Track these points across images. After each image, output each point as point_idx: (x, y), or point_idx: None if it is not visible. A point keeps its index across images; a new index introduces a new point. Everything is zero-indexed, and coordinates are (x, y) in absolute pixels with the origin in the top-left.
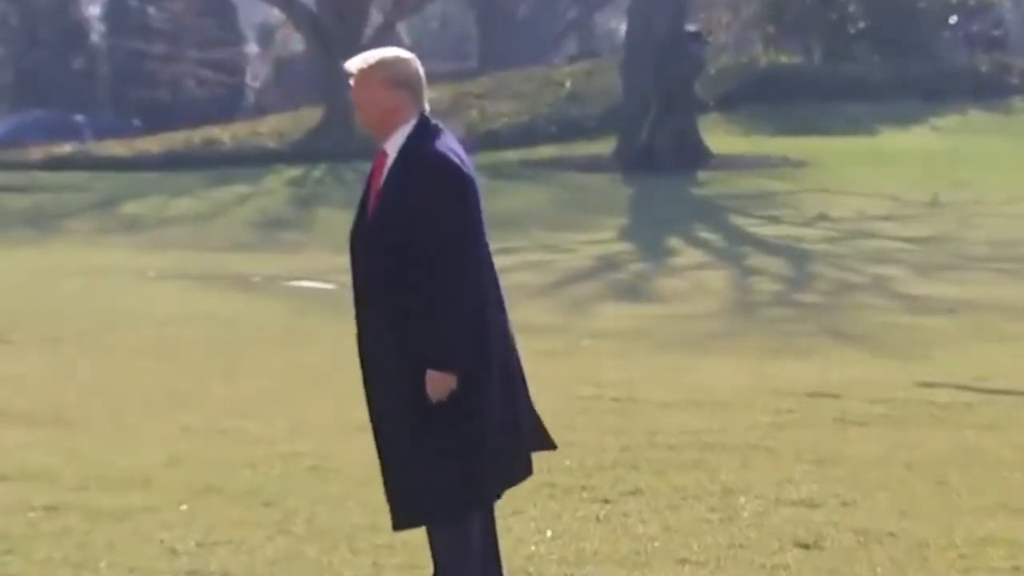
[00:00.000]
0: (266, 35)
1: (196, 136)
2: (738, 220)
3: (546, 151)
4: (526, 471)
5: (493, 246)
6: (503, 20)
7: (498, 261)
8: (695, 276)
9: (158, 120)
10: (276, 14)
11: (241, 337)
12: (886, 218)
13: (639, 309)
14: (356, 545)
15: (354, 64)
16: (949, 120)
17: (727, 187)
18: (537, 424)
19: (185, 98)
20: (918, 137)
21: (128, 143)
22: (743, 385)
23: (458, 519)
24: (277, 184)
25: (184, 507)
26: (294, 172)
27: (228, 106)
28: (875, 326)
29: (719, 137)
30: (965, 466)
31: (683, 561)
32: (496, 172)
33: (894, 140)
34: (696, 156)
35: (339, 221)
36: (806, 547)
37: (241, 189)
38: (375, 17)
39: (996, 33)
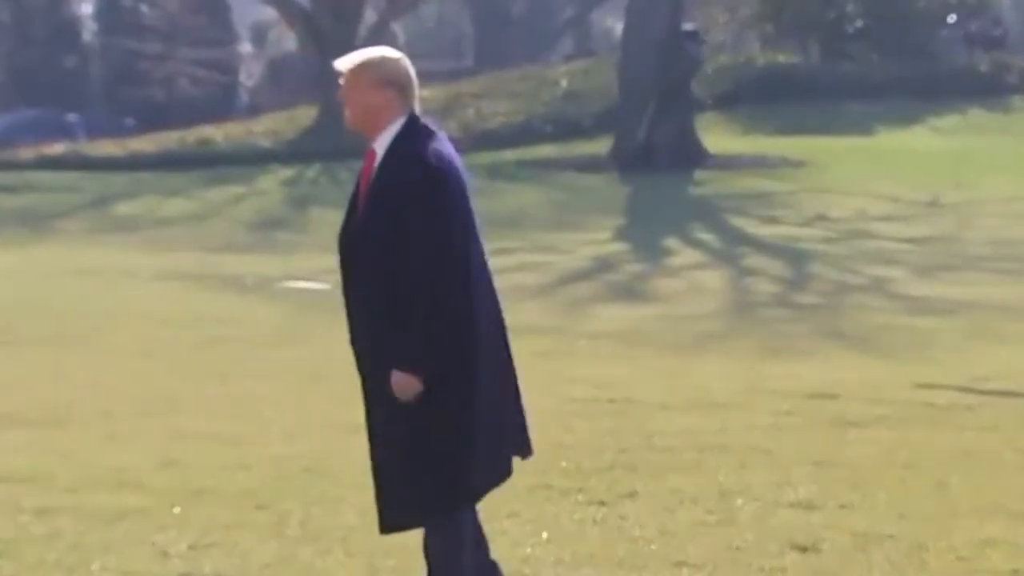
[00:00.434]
0: (260, 34)
1: (190, 136)
2: (736, 220)
3: (542, 151)
4: (507, 472)
5: (489, 246)
6: (499, 19)
7: (494, 262)
8: (692, 276)
9: (152, 119)
10: (270, 13)
11: (235, 338)
12: (885, 218)
13: (636, 310)
14: (351, 547)
15: (343, 64)
16: (948, 120)
17: (725, 187)
18: (522, 427)
19: (179, 97)
20: (917, 137)
21: (121, 143)
22: (741, 386)
23: (444, 520)
24: (271, 184)
25: (177, 509)
26: (288, 172)
27: (222, 105)
28: (874, 327)
29: (717, 137)
30: (964, 468)
31: (680, 564)
32: (492, 172)
33: (893, 140)
34: (694, 156)
35: (333, 221)
36: (804, 550)
37: (235, 189)
38: (369, 16)
39: (995, 32)
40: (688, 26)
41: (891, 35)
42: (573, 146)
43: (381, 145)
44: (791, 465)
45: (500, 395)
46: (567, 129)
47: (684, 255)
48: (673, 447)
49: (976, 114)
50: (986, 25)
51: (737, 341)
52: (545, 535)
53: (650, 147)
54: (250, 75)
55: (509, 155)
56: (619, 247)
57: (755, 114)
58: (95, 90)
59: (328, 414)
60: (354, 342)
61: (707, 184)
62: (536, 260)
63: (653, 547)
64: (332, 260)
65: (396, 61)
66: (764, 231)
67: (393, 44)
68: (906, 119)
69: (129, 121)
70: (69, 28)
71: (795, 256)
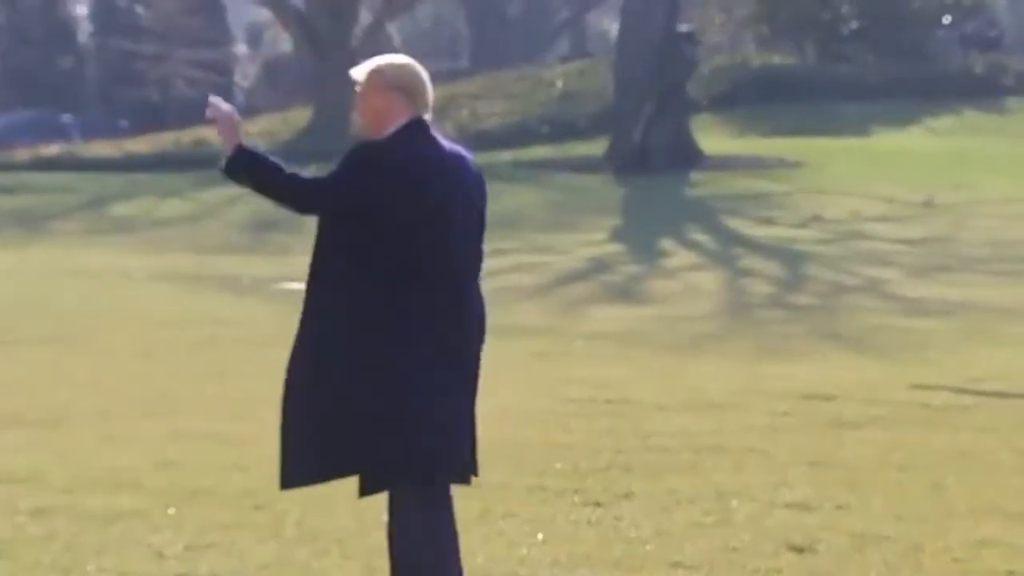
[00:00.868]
0: (255, 35)
1: (185, 136)
2: (731, 221)
3: (538, 152)
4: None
5: (486, 247)
6: (495, 20)
7: (490, 263)
8: (688, 278)
9: (147, 120)
10: (266, 14)
11: (232, 339)
12: (880, 219)
13: (632, 311)
14: (347, 549)
15: (356, 72)
16: (944, 121)
17: (720, 188)
18: (472, 446)
19: (174, 98)
20: (913, 138)
21: (117, 144)
22: (737, 387)
23: (395, 484)
24: None
25: (173, 510)
26: None
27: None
28: (870, 328)
29: (712, 138)
30: (960, 469)
31: (676, 565)
32: (488, 173)
33: (888, 141)
34: (689, 157)
35: None
36: (800, 551)
37: (231, 190)
38: (365, 17)
39: (991, 33)
40: (684, 27)
41: (887, 36)
42: (569, 147)
43: None
44: (787, 466)
45: (453, 394)
46: (563, 130)
47: (680, 256)
48: (669, 448)
49: (972, 115)
50: (982, 26)
51: (733, 342)
52: (541, 536)
53: (646, 148)
54: (245, 76)
55: (505, 156)
56: (615, 248)
57: (751, 115)
58: (91, 91)
59: None
60: None
61: (703, 185)
62: (532, 261)
63: (649, 548)
64: None
65: (403, 66)
66: (760, 232)
67: (388, 45)
68: (902, 120)
69: (124, 122)
70: (65, 29)
71: (791, 257)
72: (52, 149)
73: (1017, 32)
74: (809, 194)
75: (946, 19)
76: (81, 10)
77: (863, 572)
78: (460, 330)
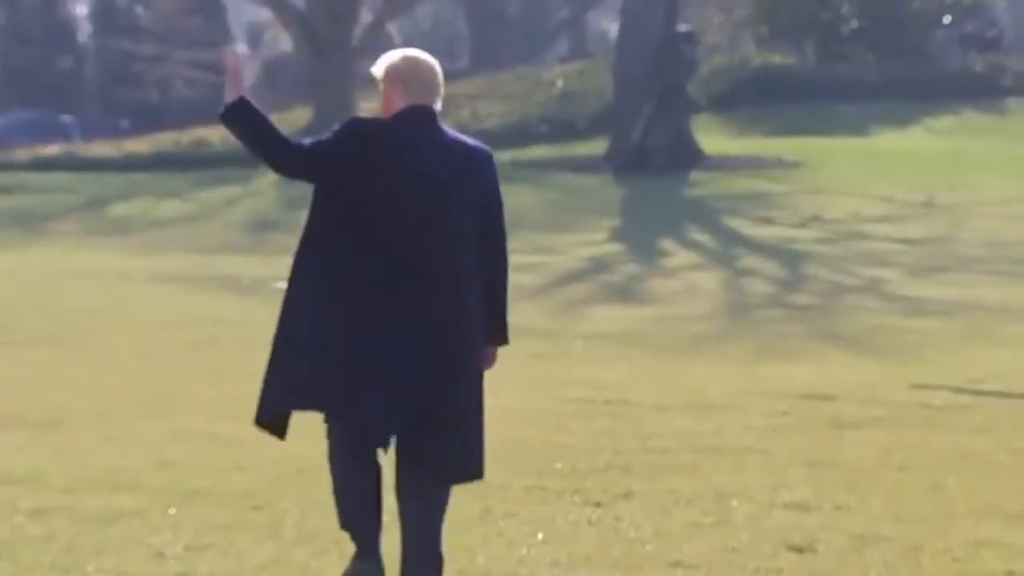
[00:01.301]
0: (255, 35)
1: (185, 137)
2: (731, 221)
3: (538, 152)
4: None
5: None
6: (494, 20)
7: None
8: (688, 278)
9: (147, 121)
10: (265, 14)
11: (231, 339)
12: (880, 219)
13: (632, 311)
14: (346, 549)
15: (374, 68)
16: (943, 121)
17: (720, 188)
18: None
19: (174, 99)
20: (912, 138)
21: (116, 144)
22: (736, 388)
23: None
24: (266, 185)
25: (173, 510)
26: None
27: (217, 107)
28: (869, 328)
29: (712, 138)
30: (960, 469)
31: (676, 565)
32: None
33: (888, 141)
34: (689, 157)
35: None
36: (799, 551)
37: (230, 190)
38: (365, 17)
39: (990, 33)
40: (683, 27)
41: (886, 36)
42: (568, 147)
43: None
44: (787, 466)
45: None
46: (562, 130)
47: (679, 256)
48: (669, 448)
49: (971, 115)
50: (981, 26)
51: (732, 342)
52: (541, 536)
53: (645, 148)
54: (245, 76)
55: (504, 156)
56: (614, 248)
57: (750, 115)
58: (90, 91)
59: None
60: None
61: (702, 185)
62: (531, 261)
63: (649, 548)
64: None
65: (403, 59)
66: (759, 232)
67: (388, 45)
68: (901, 120)
69: (124, 122)
70: (64, 29)
71: (790, 257)
72: (51, 149)
73: (1017, 32)
74: (808, 194)
75: (946, 19)
76: (81, 10)
77: (863, 572)
78: (403, 301)
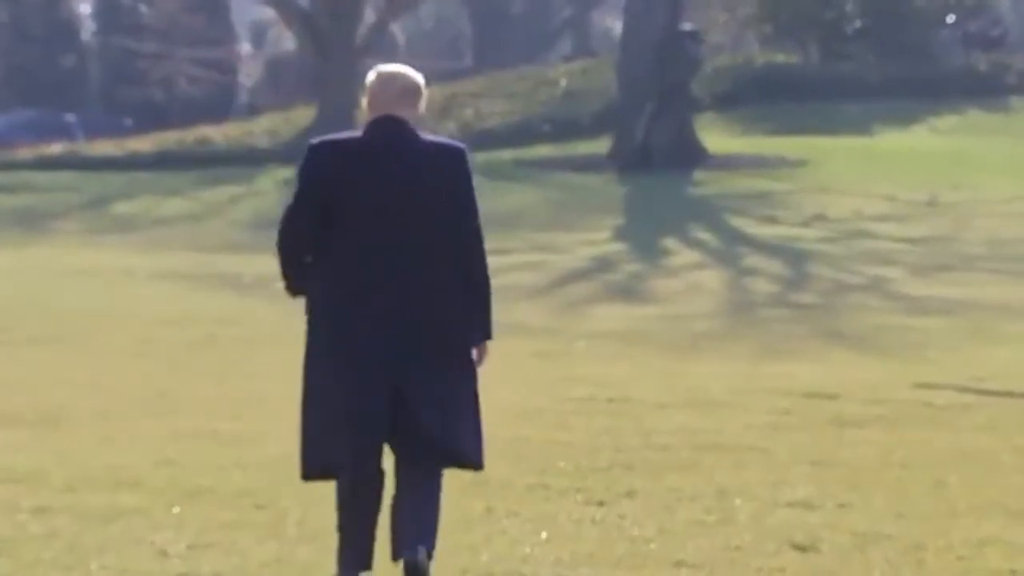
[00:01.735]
0: (259, 34)
1: (188, 135)
2: (734, 220)
3: (541, 151)
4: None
5: (487, 245)
6: (497, 19)
7: (492, 261)
8: (691, 276)
9: (150, 119)
10: (269, 13)
11: (233, 337)
12: (883, 218)
13: (634, 310)
14: None
15: None
16: (947, 120)
17: (723, 187)
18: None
19: (177, 97)
20: (916, 137)
21: (119, 143)
22: (739, 386)
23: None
24: (269, 184)
25: (175, 509)
26: (287, 172)
27: (220, 105)
28: (872, 327)
29: (715, 137)
30: (962, 467)
31: (679, 563)
32: (490, 172)
33: (891, 140)
34: (692, 156)
35: None
36: (802, 549)
37: (233, 189)
38: (368, 16)
39: (994, 32)
40: (687, 26)
41: (890, 35)
42: (571, 146)
43: None
44: (789, 465)
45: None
46: (565, 129)
47: (682, 255)
48: (671, 446)
49: (975, 114)
50: (985, 25)
51: (735, 341)
52: (544, 535)
53: (649, 147)
54: (249, 75)
55: (507, 155)
56: (617, 247)
57: (754, 114)
58: (93, 90)
59: None
60: None
61: (705, 184)
62: (534, 260)
63: (652, 546)
64: None
65: (374, 76)
66: (762, 231)
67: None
68: (905, 119)
69: (128, 121)
70: (67, 27)
71: (793, 256)
72: (54, 148)
73: (1020, 31)
74: (812, 193)
75: (949, 18)
76: (84, 8)
77: (866, 570)
78: (375, 304)
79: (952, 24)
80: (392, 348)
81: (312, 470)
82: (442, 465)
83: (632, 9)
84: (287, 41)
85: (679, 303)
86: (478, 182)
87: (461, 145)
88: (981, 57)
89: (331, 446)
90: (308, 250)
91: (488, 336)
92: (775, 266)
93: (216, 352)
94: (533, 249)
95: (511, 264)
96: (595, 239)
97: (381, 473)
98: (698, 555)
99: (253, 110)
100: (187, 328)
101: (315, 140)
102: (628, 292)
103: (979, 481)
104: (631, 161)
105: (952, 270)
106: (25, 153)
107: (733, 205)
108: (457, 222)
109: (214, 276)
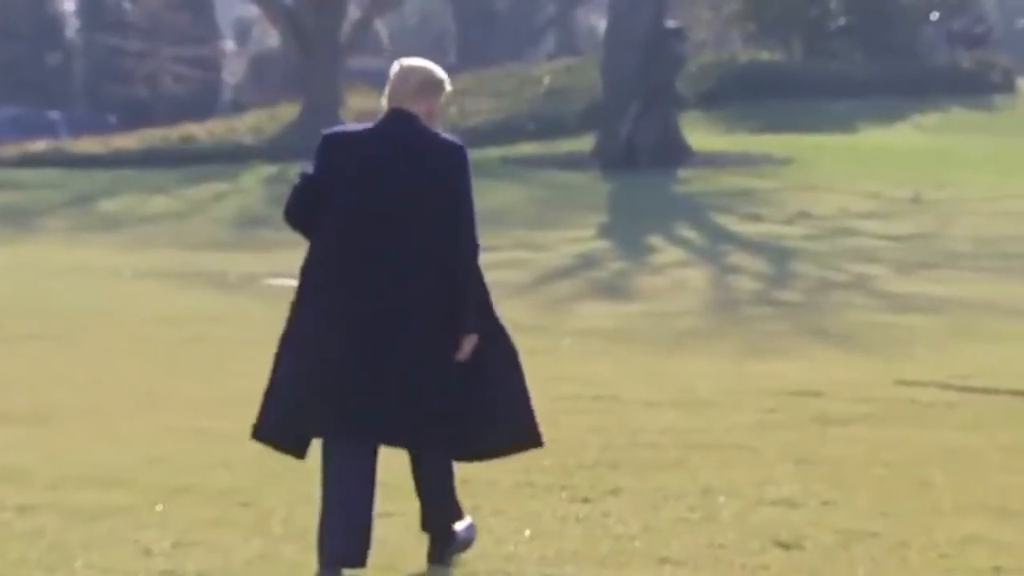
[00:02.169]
0: (243, 31)
1: (173, 133)
2: (719, 218)
3: (526, 148)
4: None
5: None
6: (482, 17)
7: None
8: (676, 274)
9: (135, 117)
10: (253, 10)
11: (219, 335)
12: (868, 216)
13: (620, 307)
14: None
15: None
16: (931, 117)
17: (708, 185)
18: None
19: (162, 94)
20: (900, 134)
21: (104, 140)
22: (724, 384)
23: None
24: (254, 181)
25: (160, 507)
26: (271, 169)
27: (205, 103)
28: (857, 325)
29: (700, 134)
30: (947, 466)
31: (663, 561)
32: (475, 170)
33: (876, 137)
34: (677, 153)
35: None
36: (787, 547)
37: (218, 187)
38: (352, 13)
39: (978, 30)
40: (671, 24)
41: (874, 33)
42: (556, 144)
43: None
44: (774, 463)
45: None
46: (550, 127)
47: (667, 253)
48: (657, 444)
49: (959, 112)
50: (969, 23)
51: (720, 339)
52: (528, 532)
53: (633, 145)
54: (233, 72)
55: (492, 153)
56: (602, 245)
57: (738, 112)
58: (78, 87)
59: None
60: None
61: (690, 182)
62: (519, 257)
63: (636, 544)
64: None
65: (394, 70)
66: (747, 229)
67: (376, 41)
68: (889, 117)
69: (112, 118)
70: (52, 25)
71: (778, 254)
72: (39, 145)
73: (1004, 29)
74: (796, 191)
75: (934, 16)
76: (68, 6)
77: (849, 568)
78: (359, 295)
79: (936, 22)
80: (376, 329)
81: (265, 431)
82: (410, 449)
83: (616, 7)
84: (271, 38)
85: (664, 301)
86: None
87: (461, 143)
88: (965, 55)
89: (303, 415)
90: (311, 225)
91: (466, 330)
92: (760, 264)
93: (203, 350)
94: (518, 247)
95: (496, 261)
96: (580, 237)
97: (371, 451)
98: (682, 552)
99: (237, 107)
100: (174, 326)
101: (327, 130)
102: (613, 290)
103: (963, 479)
104: (616, 159)
105: (936, 267)
106: (9, 150)
107: (718, 203)
108: (452, 215)
109: (200, 274)
